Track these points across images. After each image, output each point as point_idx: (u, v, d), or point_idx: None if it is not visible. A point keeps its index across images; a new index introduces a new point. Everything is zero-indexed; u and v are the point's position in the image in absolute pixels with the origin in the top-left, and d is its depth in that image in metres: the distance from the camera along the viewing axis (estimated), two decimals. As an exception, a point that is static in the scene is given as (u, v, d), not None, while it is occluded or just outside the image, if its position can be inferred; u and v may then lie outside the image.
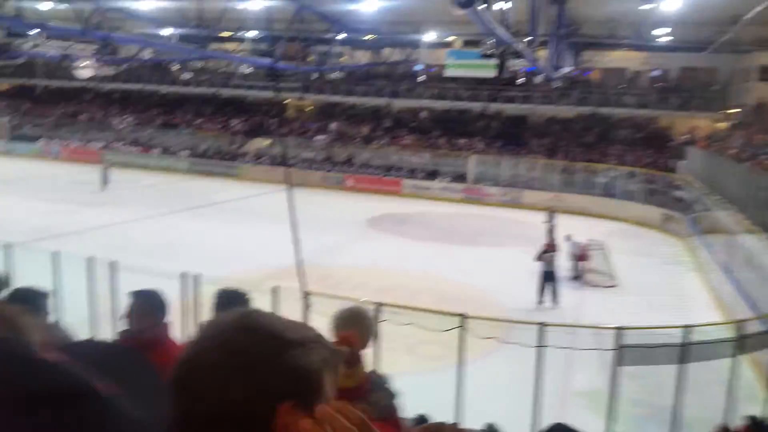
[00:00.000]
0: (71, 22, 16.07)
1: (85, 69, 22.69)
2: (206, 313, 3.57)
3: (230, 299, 3.63)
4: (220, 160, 33.66)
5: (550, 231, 18.29)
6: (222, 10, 17.83)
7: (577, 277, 16.08)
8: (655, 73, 32.67)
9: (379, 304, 8.13)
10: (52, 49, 22.72)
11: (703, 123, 29.98)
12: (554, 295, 14.02)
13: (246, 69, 32.16)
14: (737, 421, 7.97)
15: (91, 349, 0.65)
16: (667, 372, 8.36)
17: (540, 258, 14.12)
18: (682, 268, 18.73)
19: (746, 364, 10.10)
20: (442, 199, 28.62)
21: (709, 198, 18.88)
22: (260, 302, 6.97)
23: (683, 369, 8.21)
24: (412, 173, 30.78)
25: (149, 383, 0.66)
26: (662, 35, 23.80)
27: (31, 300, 3.47)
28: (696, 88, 30.71)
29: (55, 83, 41.32)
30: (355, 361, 1.99)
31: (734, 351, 8.68)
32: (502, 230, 22.50)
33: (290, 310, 8.45)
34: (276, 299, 8.44)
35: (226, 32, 30.70)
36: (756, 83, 26.77)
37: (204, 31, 17.91)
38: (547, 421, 8.41)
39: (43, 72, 40.66)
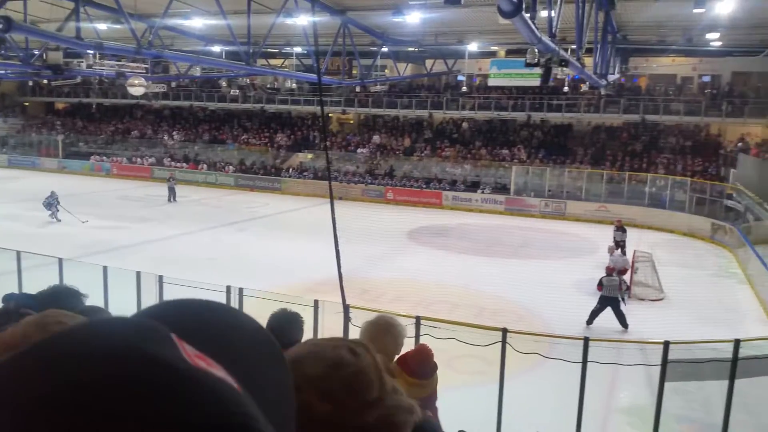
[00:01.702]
0: (125, 41, 16.72)
1: (137, 87, 23.51)
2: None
3: (287, 322, 3.71)
4: (264, 175, 34.36)
5: (620, 247, 17.91)
6: (270, 27, 18.26)
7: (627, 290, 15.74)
8: (706, 78, 31.80)
9: (419, 318, 8.17)
10: (106, 67, 23.72)
11: (755, 130, 28.92)
12: (622, 320, 12.89)
13: (291, 84, 32.85)
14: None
15: (233, 341, 0.52)
16: (716, 388, 8.10)
17: (602, 284, 13.04)
18: (733, 280, 18.11)
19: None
20: (484, 211, 28.46)
21: (761, 207, 18.20)
22: (302, 316, 7.11)
23: (732, 385, 7.95)
24: (453, 185, 30.72)
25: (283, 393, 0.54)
26: (713, 39, 23.13)
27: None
28: (748, 93, 29.73)
29: (108, 101, 43.02)
30: (431, 371, 2.08)
31: (789, 368, 8.37)
32: (545, 242, 22.20)
33: (331, 324, 8.58)
34: (317, 313, 8.56)
35: (272, 48, 31.46)
36: (812, 87, 25.75)
37: (251, 47, 18.35)
38: (590, 438, 8.27)
39: (96, 90, 42.43)
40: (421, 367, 2.02)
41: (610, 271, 13.42)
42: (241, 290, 9.20)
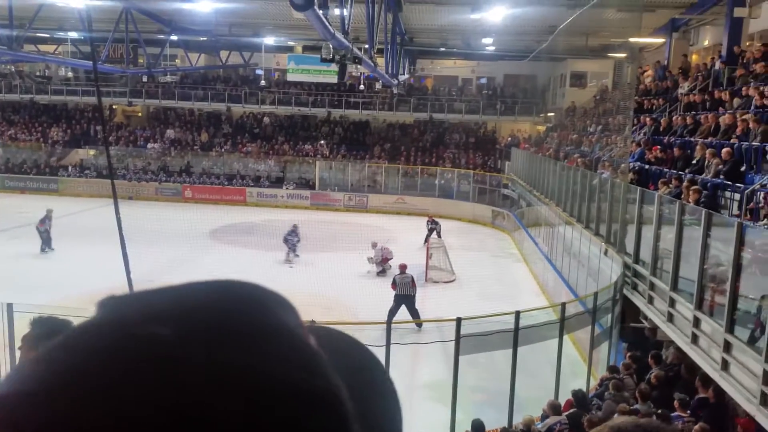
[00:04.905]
0: None
1: None
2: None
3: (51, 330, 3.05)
4: (37, 174, 30.40)
5: (438, 234, 18.81)
6: (37, 8, 16.07)
7: (381, 273, 17.11)
8: (482, 80, 35.17)
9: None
10: None
11: (524, 126, 32.85)
12: (415, 316, 12.78)
13: (66, 73, 29.38)
14: (566, 397, 8.78)
15: (333, 340, 0.50)
16: (502, 357, 8.97)
17: (395, 283, 13.21)
18: (510, 259, 20.38)
19: (570, 343, 11.19)
20: (290, 207, 28.36)
21: (531, 194, 20.68)
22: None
23: (516, 353, 8.87)
24: (257, 181, 30.12)
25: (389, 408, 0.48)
26: (488, 45, 25.64)
27: None
28: (518, 94, 33.58)
29: None
30: None
31: (559, 332, 9.58)
32: (349, 235, 22.75)
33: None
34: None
35: (42, 33, 27.86)
36: (568, 88, 29.85)
37: (15, 30, 15.98)
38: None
39: None
40: None
41: (402, 268, 13.56)
42: (10, 306, 7.95)
